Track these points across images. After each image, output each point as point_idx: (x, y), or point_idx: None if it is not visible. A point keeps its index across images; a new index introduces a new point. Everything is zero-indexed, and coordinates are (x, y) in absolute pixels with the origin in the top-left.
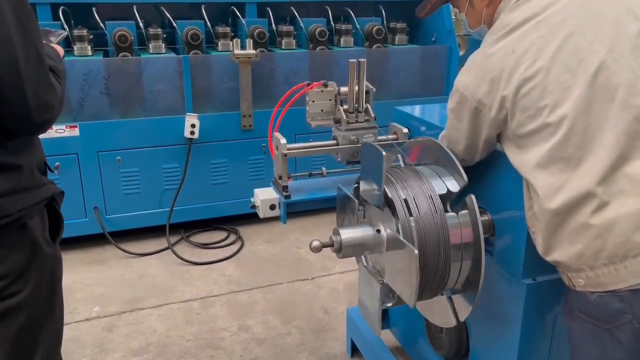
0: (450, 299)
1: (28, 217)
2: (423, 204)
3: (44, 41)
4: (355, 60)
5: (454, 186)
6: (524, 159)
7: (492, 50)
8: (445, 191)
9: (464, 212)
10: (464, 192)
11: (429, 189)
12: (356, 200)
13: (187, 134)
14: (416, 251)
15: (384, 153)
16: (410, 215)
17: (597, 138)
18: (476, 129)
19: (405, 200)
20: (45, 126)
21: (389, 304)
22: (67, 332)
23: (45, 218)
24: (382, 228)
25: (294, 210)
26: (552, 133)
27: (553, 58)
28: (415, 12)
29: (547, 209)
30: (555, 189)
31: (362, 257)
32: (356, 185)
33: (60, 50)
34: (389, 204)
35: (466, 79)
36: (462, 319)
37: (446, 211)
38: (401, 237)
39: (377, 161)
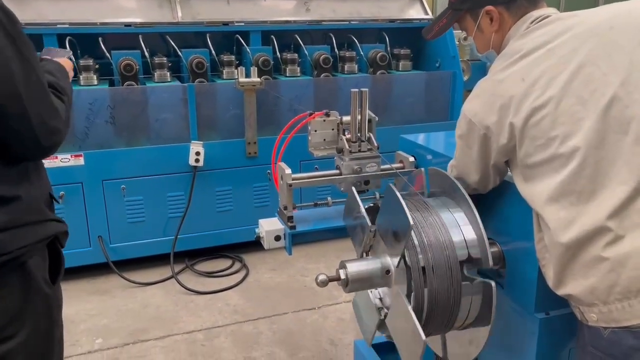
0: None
1: (28, 256)
2: (427, 227)
3: (48, 57)
4: (357, 89)
5: (469, 233)
6: (533, 191)
7: (501, 76)
8: (448, 214)
9: (470, 239)
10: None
11: (432, 213)
12: (370, 226)
13: (191, 162)
14: (424, 337)
15: (411, 222)
16: (426, 286)
17: (610, 172)
18: (486, 155)
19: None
20: (53, 149)
21: (384, 334)
22: None
23: (46, 258)
24: (392, 268)
25: (300, 241)
26: (563, 165)
27: (564, 88)
28: (422, 33)
29: (559, 242)
30: (567, 222)
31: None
32: (373, 204)
33: (68, 64)
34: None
35: (474, 106)
36: (473, 356)
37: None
38: (409, 307)
39: (402, 225)
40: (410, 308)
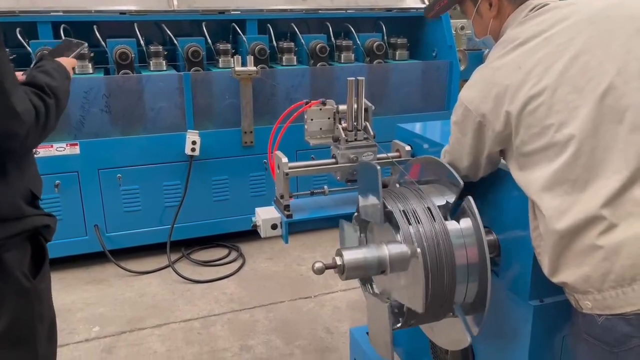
0: (464, 318)
1: (4, 250)
2: (422, 215)
3: (62, 51)
4: (353, 78)
5: (464, 219)
6: (529, 179)
7: (498, 64)
8: (444, 202)
9: (466, 227)
10: (461, 199)
11: (427, 201)
12: (357, 228)
13: (188, 151)
14: (419, 250)
15: (378, 167)
16: (409, 223)
17: (605, 161)
18: (479, 144)
19: (404, 212)
20: (10, 153)
21: (398, 325)
22: (67, 354)
23: (26, 252)
24: (387, 269)
25: (296, 229)
26: (558, 153)
27: (560, 77)
28: (423, 12)
29: (554, 231)
30: (562, 210)
31: (368, 285)
32: (356, 214)
33: (70, 63)
34: (389, 218)
35: (471, 93)
36: (468, 342)
37: (446, 220)
38: (402, 241)
39: (372, 176)
40: (390, 327)
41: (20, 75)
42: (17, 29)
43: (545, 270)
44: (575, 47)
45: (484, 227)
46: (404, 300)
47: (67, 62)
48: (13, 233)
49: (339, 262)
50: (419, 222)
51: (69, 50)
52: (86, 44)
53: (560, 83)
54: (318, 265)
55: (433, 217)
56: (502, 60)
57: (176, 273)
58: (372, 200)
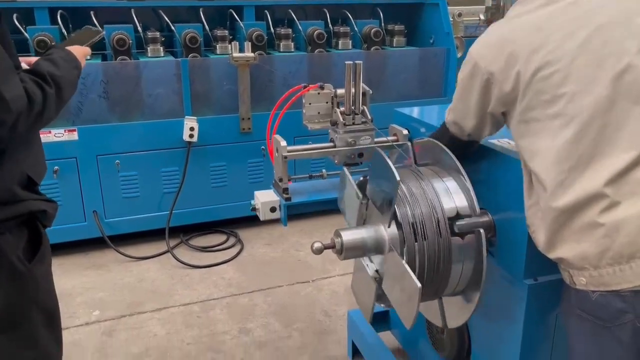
0: (440, 300)
1: None
2: (430, 230)
3: (75, 44)
4: (351, 62)
5: (460, 201)
6: (532, 149)
7: (517, 22)
8: (454, 213)
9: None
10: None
11: (437, 208)
12: (360, 195)
13: (186, 137)
14: (419, 285)
15: (398, 178)
16: (416, 240)
17: (614, 139)
18: (485, 102)
19: (413, 225)
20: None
21: (382, 305)
22: (67, 337)
23: (21, 236)
24: (385, 248)
25: (295, 212)
26: (564, 126)
27: (581, 47)
28: None
29: (555, 207)
30: (565, 186)
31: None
32: (362, 179)
33: (83, 52)
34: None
35: (483, 49)
36: (463, 321)
37: (453, 233)
38: (404, 264)
39: (390, 184)
40: (375, 300)
41: (31, 61)
42: (14, 15)
43: (541, 246)
44: (599, 19)
45: (480, 208)
46: (394, 305)
47: (80, 51)
48: (7, 217)
49: (337, 243)
50: (425, 239)
51: (87, 39)
52: (103, 32)
53: (579, 53)
54: (317, 245)
55: (440, 234)
56: (522, 18)
57: (175, 258)
58: (382, 192)
